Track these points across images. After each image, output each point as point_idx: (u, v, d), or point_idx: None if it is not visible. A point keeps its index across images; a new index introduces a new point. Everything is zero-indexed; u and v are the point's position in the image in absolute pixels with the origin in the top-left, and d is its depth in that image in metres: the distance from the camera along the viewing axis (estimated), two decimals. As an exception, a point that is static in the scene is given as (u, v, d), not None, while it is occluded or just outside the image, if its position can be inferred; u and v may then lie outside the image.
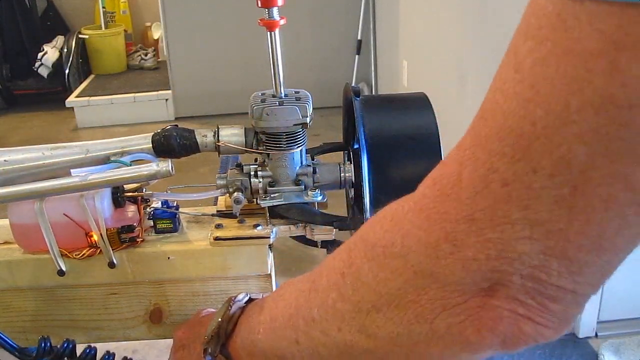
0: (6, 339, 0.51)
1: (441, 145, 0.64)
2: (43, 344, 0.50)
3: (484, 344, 0.30)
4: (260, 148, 0.68)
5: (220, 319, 0.49)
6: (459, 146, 0.30)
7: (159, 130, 0.68)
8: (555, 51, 0.24)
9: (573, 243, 0.26)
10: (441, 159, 0.61)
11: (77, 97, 4.04)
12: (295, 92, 0.68)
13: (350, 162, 0.71)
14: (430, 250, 0.30)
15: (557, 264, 0.27)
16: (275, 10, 0.63)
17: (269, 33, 0.64)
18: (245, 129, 0.68)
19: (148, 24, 4.84)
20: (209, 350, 0.49)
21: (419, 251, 0.31)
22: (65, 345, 0.50)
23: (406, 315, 0.32)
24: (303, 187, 0.69)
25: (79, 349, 0.61)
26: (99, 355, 0.61)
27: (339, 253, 0.37)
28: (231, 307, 0.49)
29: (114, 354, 0.57)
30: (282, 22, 0.64)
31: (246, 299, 0.50)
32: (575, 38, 0.24)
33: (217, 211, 0.72)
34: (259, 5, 0.62)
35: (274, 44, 0.65)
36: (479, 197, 0.28)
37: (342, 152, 0.76)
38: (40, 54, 4.28)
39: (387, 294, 0.33)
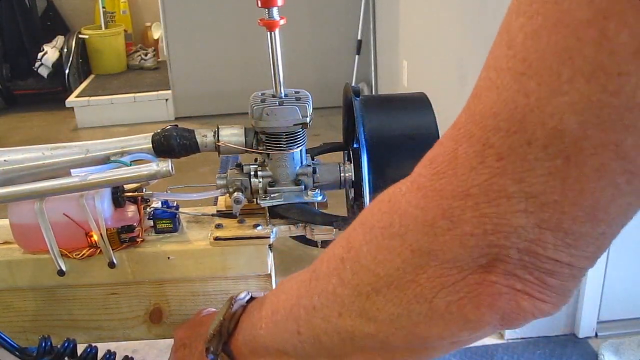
0: (6, 339, 0.51)
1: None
2: (43, 344, 0.50)
3: (483, 320, 0.31)
4: (260, 148, 0.68)
5: (222, 318, 0.49)
6: (454, 125, 0.30)
7: (159, 130, 0.68)
8: (546, 24, 0.25)
9: (567, 214, 0.27)
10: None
11: (77, 97, 4.04)
12: (295, 92, 0.68)
13: (350, 162, 0.71)
14: (428, 228, 0.30)
15: (553, 236, 0.27)
16: (275, 10, 0.63)
17: (269, 33, 0.64)
18: (245, 129, 0.68)
19: (148, 24, 4.84)
20: (211, 349, 0.49)
21: (417, 229, 0.31)
22: (66, 344, 0.50)
23: (405, 295, 0.32)
24: (303, 187, 0.69)
25: (80, 349, 0.61)
26: (100, 354, 0.61)
27: (339, 240, 0.37)
28: (233, 305, 0.49)
29: (114, 353, 0.57)
30: (282, 22, 0.64)
31: (248, 297, 0.50)
32: (566, 9, 0.24)
33: (217, 211, 0.72)
34: (259, 5, 0.62)
35: (274, 44, 0.65)
36: (474, 173, 0.28)
37: (342, 152, 0.76)
38: (40, 54, 4.28)
39: (386, 275, 0.33)
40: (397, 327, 0.34)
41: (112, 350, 0.56)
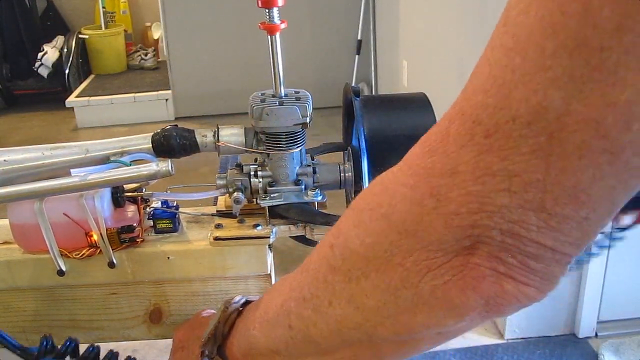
0: (7, 338, 0.51)
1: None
2: (45, 343, 0.50)
3: (468, 305, 0.30)
4: (260, 148, 0.68)
5: (217, 321, 0.49)
6: (452, 105, 0.30)
7: (158, 130, 0.68)
8: None
9: (550, 194, 0.26)
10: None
11: (77, 97, 4.04)
12: (295, 92, 0.68)
13: (350, 162, 0.71)
14: (415, 207, 0.30)
15: (536, 217, 0.27)
16: (275, 13, 0.63)
17: (269, 36, 0.64)
18: (245, 129, 0.68)
19: (148, 24, 4.84)
20: (206, 352, 0.49)
21: (403, 209, 0.31)
22: (68, 343, 0.50)
23: (392, 280, 0.32)
24: (303, 187, 0.69)
25: (81, 349, 0.61)
26: (102, 354, 0.61)
27: (330, 230, 0.37)
28: (227, 309, 0.49)
29: (117, 353, 0.56)
30: (282, 26, 0.64)
31: (242, 301, 0.50)
32: None
33: (217, 211, 0.72)
34: (259, 5, 0.62)
35: (274, 47, 0.65)
36: (463, 150, 0.28)
37: (342, 152, 0.76)
38: (40, 54, 4.28)
39: (374, 258, 0.32)
40: (385, 315, 0.33)
41: (114, 351, 0.56)
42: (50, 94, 4.29)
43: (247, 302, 0.51)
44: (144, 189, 0.69)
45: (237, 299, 0.50)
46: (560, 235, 0.28)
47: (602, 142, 0.25)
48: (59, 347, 0.54)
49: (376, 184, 0.34)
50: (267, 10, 0.63)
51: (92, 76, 4.50)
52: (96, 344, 0.61)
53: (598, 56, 0.23)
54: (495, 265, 0.29)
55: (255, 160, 0.71)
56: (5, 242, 0.70)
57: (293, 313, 0.39)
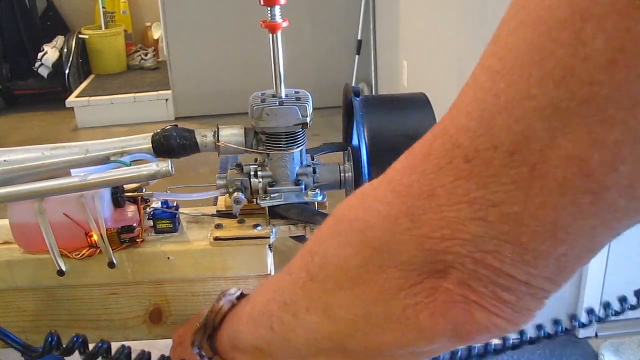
0: (9, 335, 0.50)
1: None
2: (50, 339, 0.49)
3: (437, 330, 0.29)
4: (260, 148, 0.68)
5: (209, 311, 0.49)
6: (441, 119, 0.29)
7: (158, 130, 0.68)
8: (527, 19, 0.23)
9: (527, 228, 0.25)
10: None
11: (77, 97, 4.04)
12: (295, 92, 0.68)
13: (350, 162, 0.71)
14: (389, 225, 0.29)
15: (511, 250, 0.26)
16: (277, 11, 0.63)
17: (270, 35, 0.64)
18: (245, 129, 0.68)
19: (148, 24, 4.84)
20: (196, 342, 0.49)
21: (378, 225, 0.30)
22: (75, 339, 0.50)
23: (365, 295, 0.31)
24: (303, 187, 0.69)
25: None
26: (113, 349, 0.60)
27: (314, 232, 0.37)
28: (220, 300, 0.49)
29: (129, 348, 0.56)
30: (284, 24, 0.64)
31: (238, 293, 0.50)
32: (547, 5, 0.23)
33: (217, 211, 0.72)
34: (261, 3, 0.62)
35: (275, 45, 0.65)
36: (442, 173, 0.27)
37: (342, 152, 0.76)
38: (40, 54, 4.28)
39: (348, 270, 0.32)
40: (356, 329, 0.33)
41: (146, 351, 0.56)
42: (50, 94, 4.30)
43: (242, 295, 0.50)
44: (144, 189, 0.69)
45: (232, 290, 0.50)
46: (535, 270, 0.26)
47: (585, 181, 0.23)
48: (65, 345, 0.53)
49: (357, 195, 0.33)
50: (269, 8, 0.63)
51: (92, 76, 4.50)
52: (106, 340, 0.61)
53: (587, 90, 0.22)
54: (466, 293, 0.28)
55: (255, 160, 0.71)
56: (5, 242, 0.70)
57: (275, 316, 0.39)
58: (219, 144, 0.67)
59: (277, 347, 0.40)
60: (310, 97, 0.67)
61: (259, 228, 0.68)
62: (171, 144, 0.66)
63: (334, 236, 0.33)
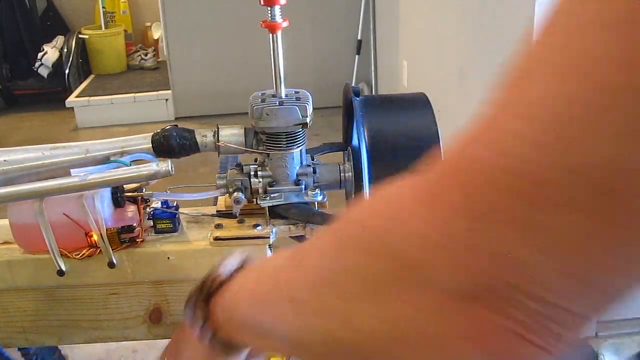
0: (3, 353, 0.50)
1: (441, 145, 0.64)
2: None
3: (468, 356, 0.27)
4: (260, 148, 0.68)
5: (206, 276, 0.47)
6: (480, 129, 0.26)
7: (158, 130, 0.68)
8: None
9: (587, 259, 0.23)
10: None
11: (77, 97, 4.04)
12: (295, 92, 0.68)
13: (350, 162, 0.71)
14: (424, 242, 0.27)
15: (566, 282, 0.24)
16: (277, 11, 0.63)
17: (271, 35, 0.64)
18: (245, 129, 0.68)
19: (148, 24, 4.84)
20: (191, 301, 0.47)
21: (412, 242, 0.28)
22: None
23: (389, 310, 0.29)
24: (303, 187, 0.69)
25: (80, 348, 0.61)
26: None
27: (331, 232, 0.35)
28: (219, 267, 0.47)
29: None
30: (284, 24, 0.64)
31: (238, 263, 0.48)
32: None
33: (217, 211, 0.72)
34: (261, 3, 0.62)
35: (275, 45, 0.65)
36: (498, 193, 0.24)
37: (342, 152, 0.76)
38: (40, 54, 4.28)
39: (373, 283, 0.30)
40: (376, 342, 0.31)
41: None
42: (50, 94, 4.29)
43: (244, 266, 0.49)
44: (144, 189, 0.69)
45: (234, 260, 0.48)
46: (592, 303, 0.25)
47: None
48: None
49: (382, 200, 0.31)
50: (269, 8, 0.63)
51: (92, 76, 4.50)
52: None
53: None
54: (509, 323, 0.26)
55: (255, 160, 0.71)
56: (5, 242, 0.70)
57: (275, 308, 0.38)
58: (219, 144, 0.67)
59: (270, 338, 0.39)
60: (310, 97, 0.67)
61: (259, 228, 0.68)
62: (171, 144, 0.66)
63: (357, 244, 0.31)
